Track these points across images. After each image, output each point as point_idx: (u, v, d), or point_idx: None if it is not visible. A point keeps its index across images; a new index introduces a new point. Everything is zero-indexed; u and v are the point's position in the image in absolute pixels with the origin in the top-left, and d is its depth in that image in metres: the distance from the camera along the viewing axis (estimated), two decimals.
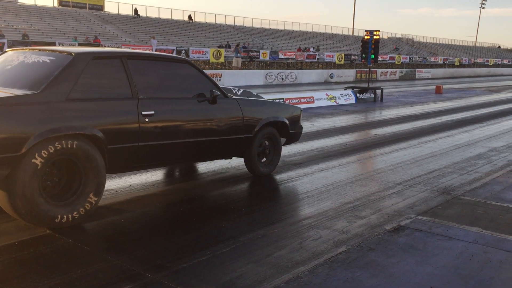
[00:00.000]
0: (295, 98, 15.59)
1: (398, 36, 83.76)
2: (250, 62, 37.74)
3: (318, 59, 46.52)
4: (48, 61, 4.42)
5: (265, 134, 6.23)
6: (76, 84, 4.23)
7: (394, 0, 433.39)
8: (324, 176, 6.65)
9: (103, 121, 4.37)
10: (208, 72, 23.79)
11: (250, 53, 38.10)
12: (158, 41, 35.59)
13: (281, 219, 4.77)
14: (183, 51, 33.16)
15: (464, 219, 4.85)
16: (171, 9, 51.68)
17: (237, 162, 6.93)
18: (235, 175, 6.51)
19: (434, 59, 68.29)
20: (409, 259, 3.81)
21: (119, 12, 46.04)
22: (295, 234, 4.34)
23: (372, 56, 18.39)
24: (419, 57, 66.27)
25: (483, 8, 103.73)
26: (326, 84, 30.65)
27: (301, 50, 47.55)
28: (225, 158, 6.35)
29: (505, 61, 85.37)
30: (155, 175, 6.35)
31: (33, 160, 3.82)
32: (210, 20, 54.05)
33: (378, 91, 18.54)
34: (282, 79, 31.23)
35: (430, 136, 10.31)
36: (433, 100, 19.05)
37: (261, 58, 38.27)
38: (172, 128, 5.01)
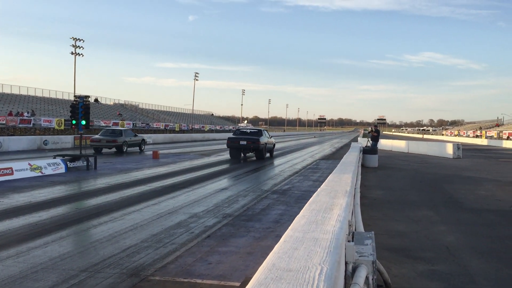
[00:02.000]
0: None
1: (122, 102, 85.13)
2: None
3: (34, 124, 42.65)
4: (256, 130, 25.11)
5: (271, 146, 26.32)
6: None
7: (120, 68, 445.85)
8: None
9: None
10: None
11: None
12: None
13: None
14: None
15: None
16: None
17: None
18: None
19: (156, 124, 71.75)
20: None
21: None
22: None
23: (83, 122, 17.43)
24: (142, 123, 68.50)
25: (197, 80, 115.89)
26: (40, 151, 27.78)
27: (13, 114, 42.77)
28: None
29: (217, 127, 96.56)
30: None
31: None
32: None
33: (92, 159, 17.56)
34: None
35: (136, 205, 9.88)
36: (149, 166, 19.17)
37: None
38: (269, 144, 25.18)
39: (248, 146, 23.10)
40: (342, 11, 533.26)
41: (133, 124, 64.08)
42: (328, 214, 3.93)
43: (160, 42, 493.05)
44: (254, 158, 24.40)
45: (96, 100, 74.72)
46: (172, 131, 72.53)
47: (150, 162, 21.21)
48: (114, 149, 28.29)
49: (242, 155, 24.78)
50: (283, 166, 20.84)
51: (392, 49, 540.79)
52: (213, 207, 9.92)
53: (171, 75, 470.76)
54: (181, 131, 75.52)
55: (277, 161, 23.90)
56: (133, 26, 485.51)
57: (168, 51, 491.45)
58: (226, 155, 27.80)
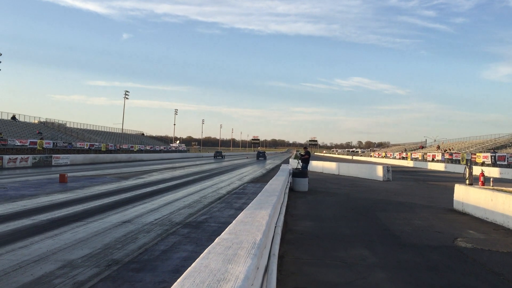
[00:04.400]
0: None
1: (43, 120, 79.45)
2: None
3: None
4: (263, 151, 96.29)
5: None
6: None
7: (47, 85, 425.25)
8: None
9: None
10: None
11: None
12: None
13: None
14: None
15: None
16: None
17: None
18: None
19: (80, 144, 67.16)
20: None
21: None
22: None
23: None
24: (64, 143, 63.81)
25: (127, 98, 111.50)
26: None
27: None
28: None
29: (148, 147, 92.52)
30: None
31: None
32: None
33: None
34: None
35: None
36: (49, 192, 16.51)
37: None
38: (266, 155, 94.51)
39: (262, 155, 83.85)
40: (277, 35, 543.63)
41: (53, 143, 59.36)
42: None
43: (91, 60, 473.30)
44: (182, 180, 22.24)
45: (13, 117, 69.15)
46: (98, 151, 68.39)
47: (53, 187, 18.47)
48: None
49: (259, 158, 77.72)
50: (206, 191, 18.91)
51: (324, 73, 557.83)
52: (101, 249, 7.81)
53: (102, 94, 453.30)
54: (108, 151, 71.34)
55: (201, 185, 21.94)
56: (63, 43, 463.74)
57: (100, 69, 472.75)
58: (147, 178, 25.48)
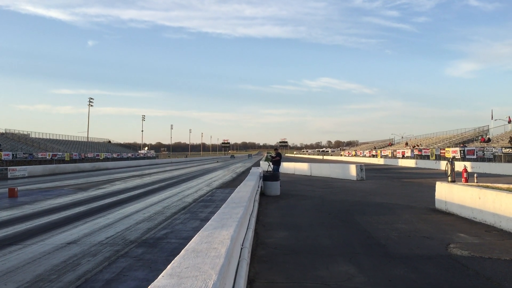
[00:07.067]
0: None
1: (3, 131, 75.86)
2: None
3: None
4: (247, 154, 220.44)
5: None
6: None
7: (9, 95, 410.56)
8: None
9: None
10: None
11: None
12: None
13: None
14: None
15: None
16: None
17: None
18: None
19: (42, 155, 64.21)
20: None
21: None
22: None
23: None
24: (24, 153, 60.79)
25: (92, 106, 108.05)
26: None
27: None
28: None
29: (115, 155, 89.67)
30: None
31: None
32: None
33: None
34: None
35: None
36: None
37: None
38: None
39: (249, 156, 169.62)
40: (245, 38, 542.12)
41: (12, 155, 56.39)
42: None
43: (56, 68, 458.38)
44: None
45: None
46: (61, 161, 65.54)
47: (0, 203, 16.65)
48: None
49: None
50: (171, 200, 17.46)
51: (292, 75, 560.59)
52: (30, 283, 6.33)
53: (68, 102, 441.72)
54: (72, 160, 68.53)
55: (166, 193, 20.45)
56: (26, 51, 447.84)
57: (66, 77, 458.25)
58: (108, 188, 23.78)
